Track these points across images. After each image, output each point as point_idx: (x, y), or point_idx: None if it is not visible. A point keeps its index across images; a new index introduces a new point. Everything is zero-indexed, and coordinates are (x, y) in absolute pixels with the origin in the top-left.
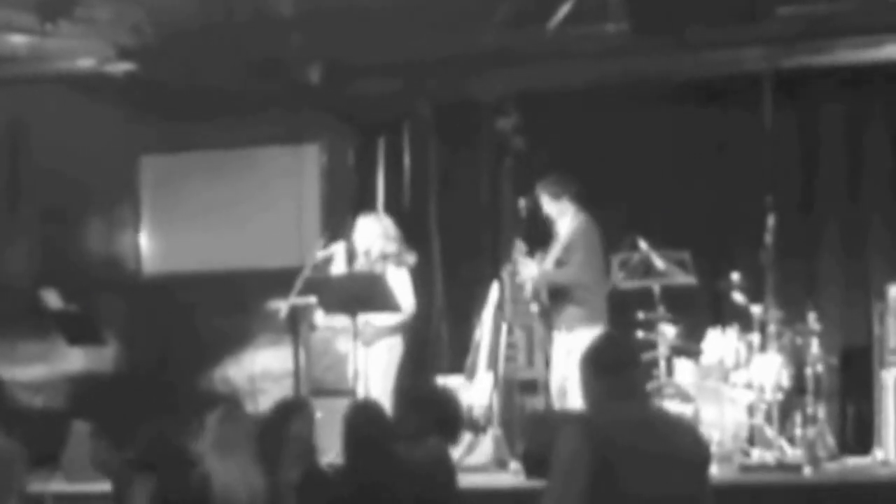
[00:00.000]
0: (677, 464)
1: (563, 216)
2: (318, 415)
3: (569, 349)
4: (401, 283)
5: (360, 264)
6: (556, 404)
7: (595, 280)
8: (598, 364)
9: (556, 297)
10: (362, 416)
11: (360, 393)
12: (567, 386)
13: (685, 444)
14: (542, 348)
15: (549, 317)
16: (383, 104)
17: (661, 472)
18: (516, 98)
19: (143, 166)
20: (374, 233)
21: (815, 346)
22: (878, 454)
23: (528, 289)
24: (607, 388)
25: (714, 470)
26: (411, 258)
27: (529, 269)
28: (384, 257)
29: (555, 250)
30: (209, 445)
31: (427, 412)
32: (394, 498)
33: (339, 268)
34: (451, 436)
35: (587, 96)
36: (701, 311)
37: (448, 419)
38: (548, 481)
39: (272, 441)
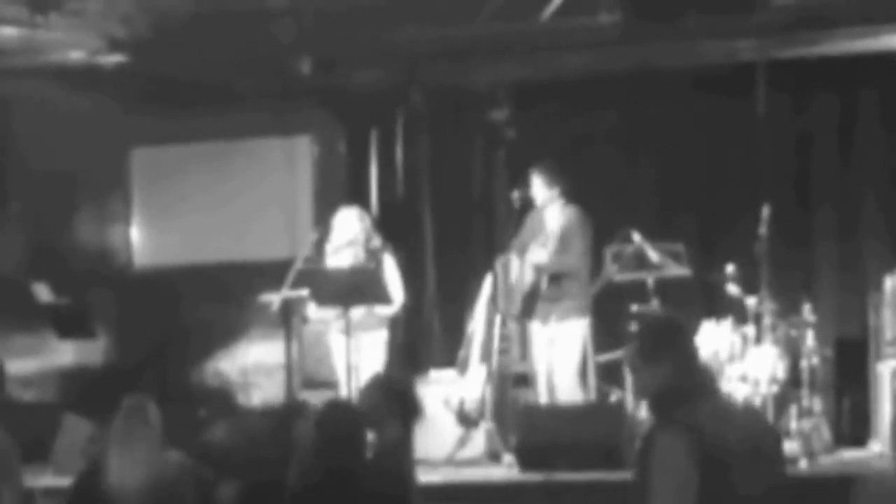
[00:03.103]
0: (764, 456)
1: (551, 205)
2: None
3: (553, 339)
4: (391, 275)
5: (345, 257)
6: (547, 398)
7: (588, 271)
8: (662, 345)
9: (554, 285)
10: (337, 414)
11: (351, 386)
12: (555, 380)
13: (764, 434)
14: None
15: (532, 307)
16: (375, 95)
17: (755, 467)
18: (509, 89)
19: (134, 158)
20: (356, 225)
21: (810, 338)
22: (874, 447)
23: (529, 277)
24: (673, 374)
25: None
26: (389, 249)
27: (538, 255)
28: (371, 250)
29: (551, 239)
30: (112, 439)
31: (390, 399)
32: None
33: (332, 261)
34: (410, 422)
35: (580, 87)
36: (695, 303)
37: (407, 405)
38: (656, 499)
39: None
